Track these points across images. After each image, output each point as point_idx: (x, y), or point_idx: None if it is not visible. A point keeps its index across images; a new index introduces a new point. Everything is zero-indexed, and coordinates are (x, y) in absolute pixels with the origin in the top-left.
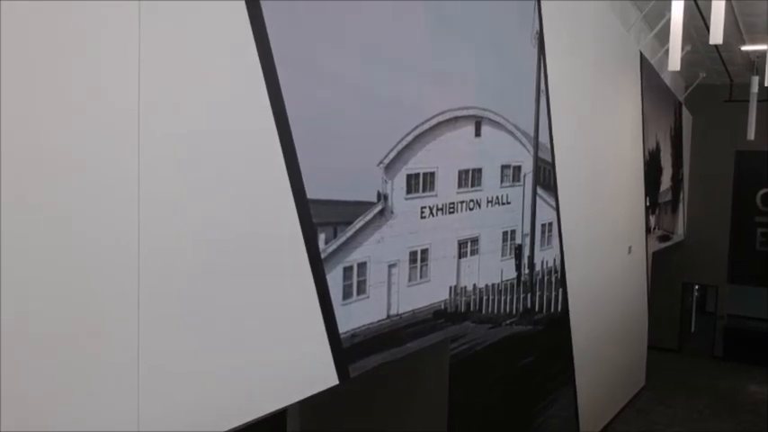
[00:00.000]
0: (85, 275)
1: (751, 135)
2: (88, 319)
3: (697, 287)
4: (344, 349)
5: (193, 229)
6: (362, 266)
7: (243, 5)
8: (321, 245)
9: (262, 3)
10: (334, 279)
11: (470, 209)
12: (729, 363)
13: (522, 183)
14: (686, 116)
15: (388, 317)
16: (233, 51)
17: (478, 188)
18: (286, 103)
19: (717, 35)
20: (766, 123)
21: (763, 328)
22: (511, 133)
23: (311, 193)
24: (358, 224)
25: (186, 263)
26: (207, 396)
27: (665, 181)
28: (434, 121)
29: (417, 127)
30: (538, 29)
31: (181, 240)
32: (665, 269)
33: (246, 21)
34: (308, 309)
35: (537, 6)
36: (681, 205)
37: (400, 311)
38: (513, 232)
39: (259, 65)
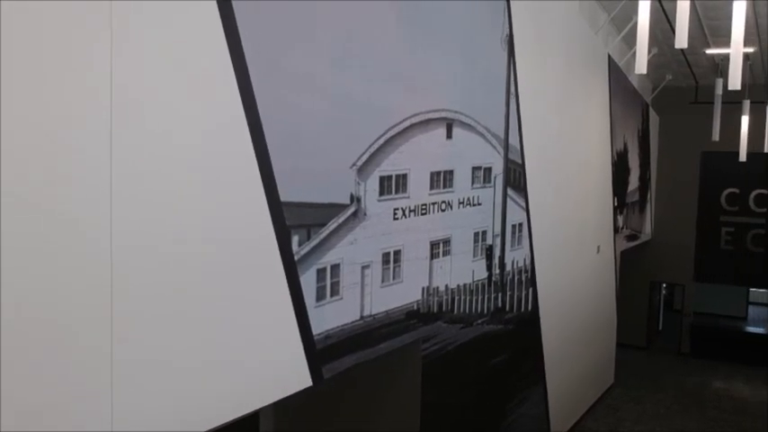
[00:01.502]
0: (58, 279)
1: (716, 136)
2: (62, 321)
3: (664, 286)
4: (318, 351)
5: (166, 232)
6: (336, 268)
7: (215, 6)
8: (294, 247)
9: (234, 4)
10: (308, 281)
11: (442, 210)
12: (696, 359)
13: (492, 184)
14: (653, 117)
15: (362, 318)
16: (205, 53)
17: (450, 189)
18: (259, 105)
19: (682, 39)
20: (731, 125)
21: (728, 325)
22: (482, 135)
23: (284, 196)
24: (331, 226)
25: (159, 266)
26: (181, 398)
27: (633, 181)
28: (406, 124)
29: (389, 129)
30: (508, 32)
31: (153, 244)
32: (633, 268)
33: (219, 23)
34: (282, 311)
35: (507, 10)
36: (648, 205)
37: (373, 312)
38: (484, 233)
39: (231, 67)
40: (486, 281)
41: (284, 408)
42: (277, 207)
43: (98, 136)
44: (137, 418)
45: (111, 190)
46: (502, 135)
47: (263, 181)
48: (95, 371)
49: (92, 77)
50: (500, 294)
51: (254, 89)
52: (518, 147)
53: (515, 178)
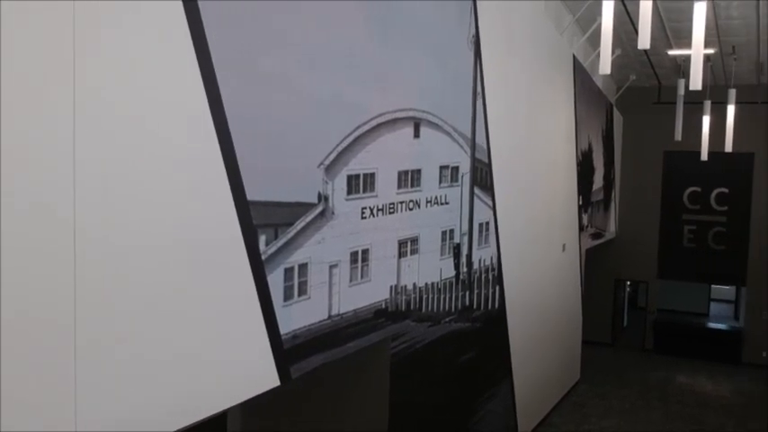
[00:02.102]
0: (19, 277)
1: (678, 136)
2: (23, 319)
3: (629, 283)
4: (286, 350)
5: (131, 232)
6: (303, 267)
7: (180, 6)
8: (262, 246)
9: (200, 3)
10: (275, 280)
11: (410, 209)
12: (659, 355)
13: (459, 183)
14: (617, 117)
15: (330, 317)
16: (170, 53)
17: (418, 189)
18: (225, 104)
19: (645, 40)
20: (692, 125)
21: (690, 321)
22: (449, 135)
23: (251, 195)
24: (299, 225)
25: (124, 266)
26: (147, 399)
27: (598, 180)
28: (374, 123)
29: (357, 128)
30: (474, 32)
31: (118, 243)
32: (597, 266)
33: (184, 22)
34: (249, 311)
35: (473, 10)
36: (612, 204)
37: (341, 311)
38: (451, 231)
39: (197, 66)
40: (453, 279)
41: (253, 407)
42: (244, 206)
43: (61, 135)
44: (102, 417)
45: (75, 188)
46: (469, 134)
47: (229, 180)
48: (59, 370)
49: (54, 77)
50: (467, 292)
51: (221, 88)
52: (485, 146)
53: (482, 177)
